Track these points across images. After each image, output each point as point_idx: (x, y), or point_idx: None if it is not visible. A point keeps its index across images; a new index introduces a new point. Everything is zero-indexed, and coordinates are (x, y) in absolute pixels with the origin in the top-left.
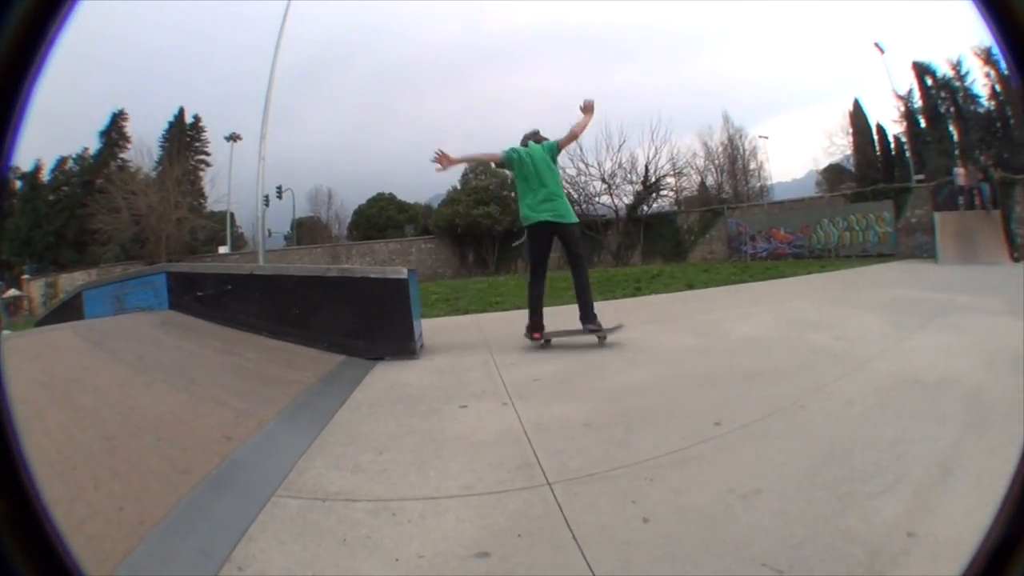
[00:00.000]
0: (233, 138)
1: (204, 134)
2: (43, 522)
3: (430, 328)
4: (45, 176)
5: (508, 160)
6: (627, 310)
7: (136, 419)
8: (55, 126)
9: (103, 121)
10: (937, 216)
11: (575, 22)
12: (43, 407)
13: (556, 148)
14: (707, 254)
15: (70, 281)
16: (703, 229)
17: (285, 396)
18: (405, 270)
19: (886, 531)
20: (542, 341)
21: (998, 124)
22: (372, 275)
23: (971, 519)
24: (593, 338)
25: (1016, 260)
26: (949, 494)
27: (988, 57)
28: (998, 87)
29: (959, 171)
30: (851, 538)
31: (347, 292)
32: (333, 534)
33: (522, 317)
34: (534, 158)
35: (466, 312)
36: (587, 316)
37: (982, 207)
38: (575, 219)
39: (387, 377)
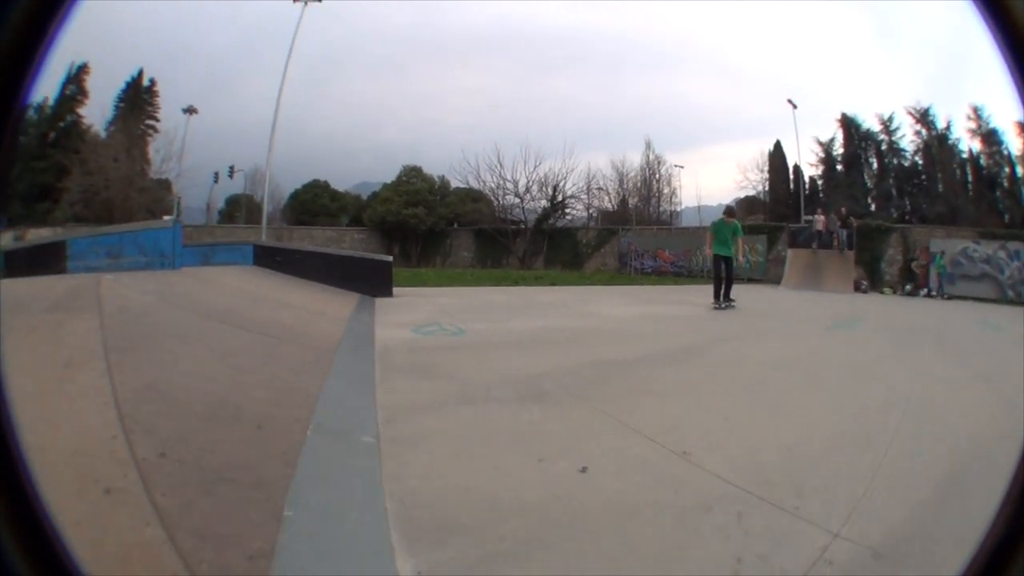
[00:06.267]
0: (190, 111)
1: (156, 99)
2: (43, 522)
3: None
4: None
5: (712, 227)
6: (495, 291)
7: (314, 300)
8: None
9: (64, 70)
10: (790, 252)
11: (524, 24)
12: (282, 299)
13: (737, 231)
14: (600, 266)
15: (36, 236)
16: (599, 244)
17: (352, 303)
18: (390, 257)
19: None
20: (715, 307)
21: (923, 177)
22: (376, 257)
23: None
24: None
25: (863, 292)
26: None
27: (923, 117)
28: (932, 146)
29: (818, 218)
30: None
31: (363, 264)
32: (390, 323)
33: (438, 292)
34: (722, 229)
35: (406, 286)
36: (726, 297)
37: (838, 248)
38: (731, 254)
39: (385, 301)
